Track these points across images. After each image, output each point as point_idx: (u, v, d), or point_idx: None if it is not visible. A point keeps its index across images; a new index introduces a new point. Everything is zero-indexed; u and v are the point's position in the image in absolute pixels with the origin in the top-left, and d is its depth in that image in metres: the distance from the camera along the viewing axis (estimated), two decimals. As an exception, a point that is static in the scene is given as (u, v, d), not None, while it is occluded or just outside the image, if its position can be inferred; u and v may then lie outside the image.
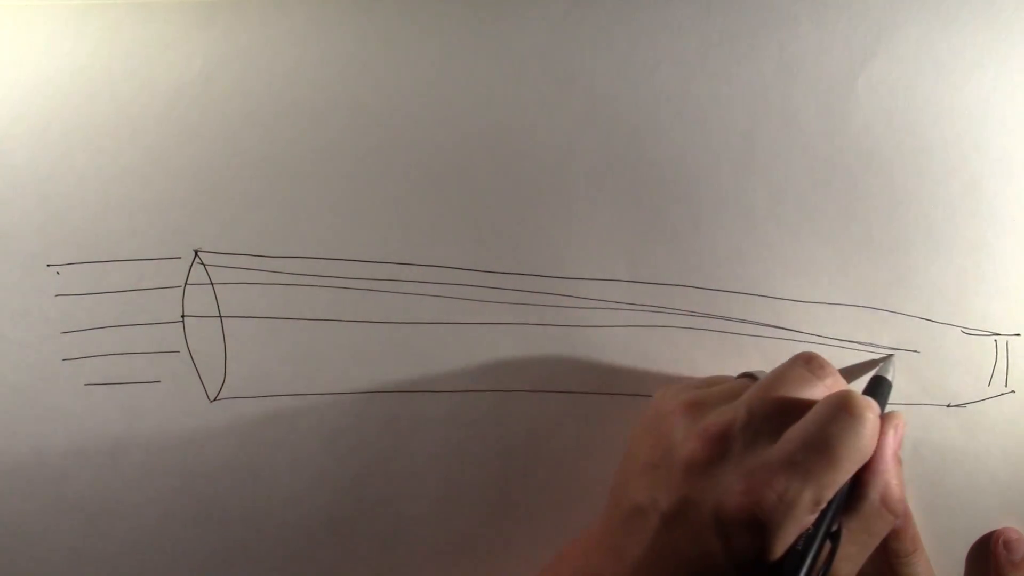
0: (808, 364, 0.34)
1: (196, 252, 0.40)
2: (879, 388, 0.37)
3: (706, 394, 0.36)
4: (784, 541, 0.31)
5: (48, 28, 0.39)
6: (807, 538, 0.31)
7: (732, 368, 0.41)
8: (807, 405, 0.33)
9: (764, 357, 0.41)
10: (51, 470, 0.40)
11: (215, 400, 0.41)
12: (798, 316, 0.40)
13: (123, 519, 0.41)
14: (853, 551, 0.33)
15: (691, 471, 0.33)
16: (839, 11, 0.39)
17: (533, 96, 0.40)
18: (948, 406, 0.41)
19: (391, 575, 0.42)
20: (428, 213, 0.40)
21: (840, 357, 0.40)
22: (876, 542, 0.34)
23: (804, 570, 0.30)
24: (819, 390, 0.34)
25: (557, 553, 0.40)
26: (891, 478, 0.33)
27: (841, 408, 0.32)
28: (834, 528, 0.32)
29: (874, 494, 0.33)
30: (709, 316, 0.41)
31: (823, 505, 0.31)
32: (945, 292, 0.40)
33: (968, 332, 0.40)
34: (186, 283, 0.40)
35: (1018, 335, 0.40)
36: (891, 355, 0.40)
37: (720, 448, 0.33)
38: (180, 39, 0.39)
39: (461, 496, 0.41)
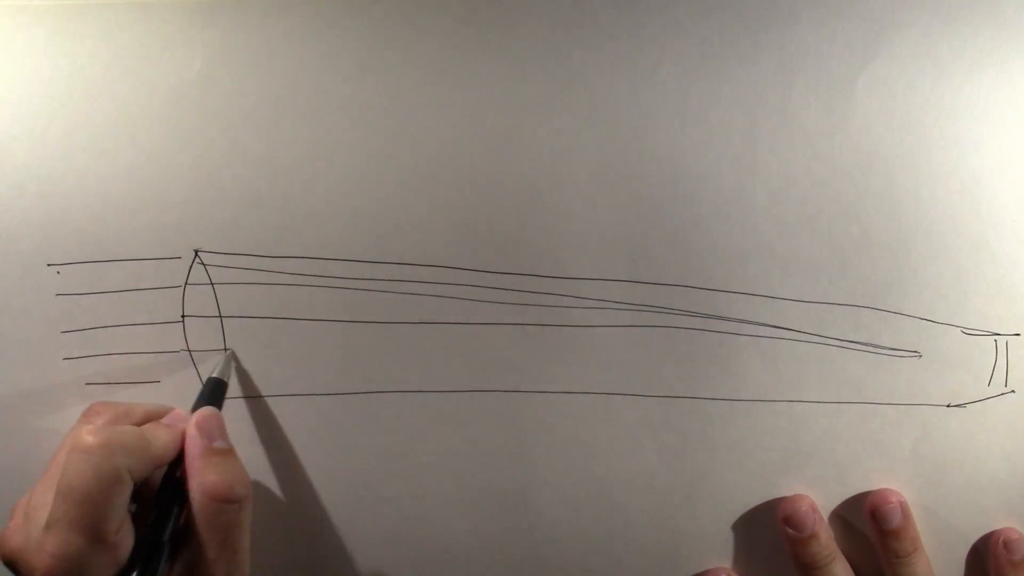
0: (86, 415, 0.37)
1: (196, 252, 0.40)
2: (216, 391, 0.38)
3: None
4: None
5: (48, 28, 0.39)
6: (131, 562, 0.32)
7: (732, 368, 0.41)
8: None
9: (764, 357, 0.41)
10: (51, 470, 0.40)
11: (215, 400, 0.41)
12: (798, 316, 0.40)
13: (123, 519, 0.41)
14: (212, 551, 0.34)
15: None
16: (839, 11, 0.39)
17: (533, 96, 0.40)
18: (948, 406, 0.41)
19: (391, 575, 0.42)
20: (428, 213, 0.40)
21: (841, 357, 0.40)
22: (222, 533, 0.34)
23: None
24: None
25: None
26: (208, 473, 0.34)
27: (70, 449, 0.32)
28: (164, 538, 0.33)
29: (196, 492, 0.34)
30: (709, 316, 0.41)
31: (116, 536, 0.32)
32: (945, 292, 0.40)
33: (968, 332, 0.40)
34: (186, 283, 0.40)
35: (1018, 335, 0.40)
36: (229, 351, 0.40)
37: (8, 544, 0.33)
38: (180, 39, 0.39)
39: (462, 496, 0.41)
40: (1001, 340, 0.40)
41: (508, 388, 0.41)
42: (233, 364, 0.40)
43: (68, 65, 0.39)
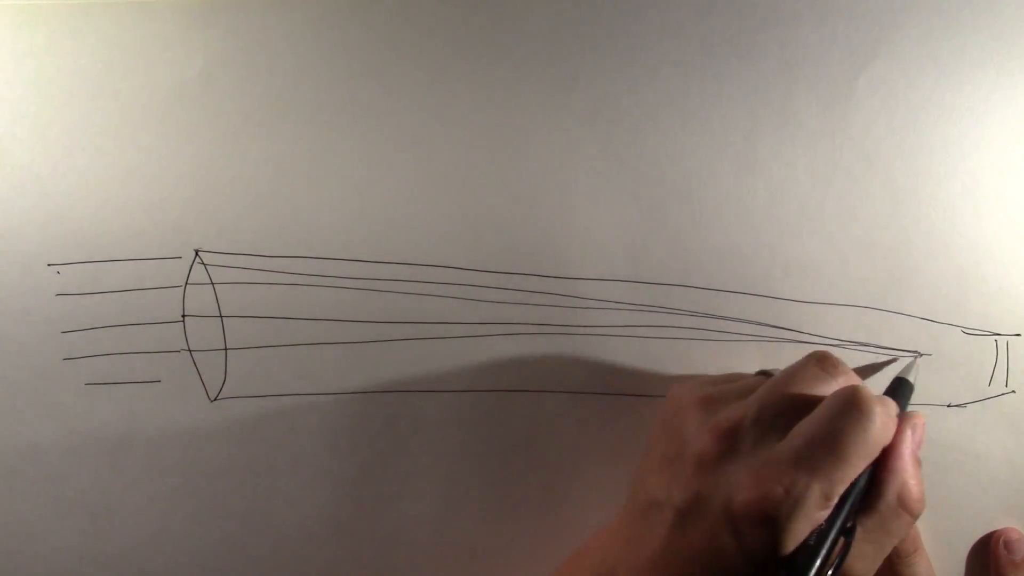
0: (821, 363, 0.34)
1: (197, 252, 0.40)
2: (899, 389, 0.37)
3: (720, 391, 0.36)
4: (795, 536, 0.30)
5: (49, 27, 0.39)
6: (819, 534, 0.31)
7: (732, 368, 0.41)
8: (818, 402, 0.33)
9: (764, 357, 0.41)
10: (51, 470, 0.40)
11: (215, 400, 0.41)
12: (798, 316, 0.40)
13: (123, 519, 0.41)
14: (870, 550, 0.33)
15: (702, 467, 0.33)
16: (840, 11, 0.39)
17: (534, 96, 0.40)
18: (948, 406, 0.41)
19: (391, 575, 0.42)
20: (428, 213, 0.40)
21: (841, 357, 0.40)
22: (894, 542, 0.34)
23: (816, 565, 0.30)
24: (831, 388, 0.33)
25: (579, 547, 0.40)
26: (909, 477, 0.33)
27: (849, 403, 0.31)
28: (848, 525, 0.32)
29: (891, 493, 0.33)
30: (709, 316, 0.41)
31: (833, 500, 0.31)
32: (945, 292, 0.40)
33: (968, 332, 0.40)
34: (187, 283, 0.40)
35: (1018, 335, 0.40)
36: (916, 356, 0.40)
37: (730, 444, 0.33)
38: (181, 39, 0.39)
39: (461, 496, 0.41)
40: (1001, 340, 0.40)
41: (508, 388, 0.41)
42: (918, 368, 0.39)
43: (69, 65, 0.39)
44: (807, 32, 0.40)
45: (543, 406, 0.41)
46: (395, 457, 0.41)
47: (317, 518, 0.41)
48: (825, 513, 0.31)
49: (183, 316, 0.40)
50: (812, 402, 0.33)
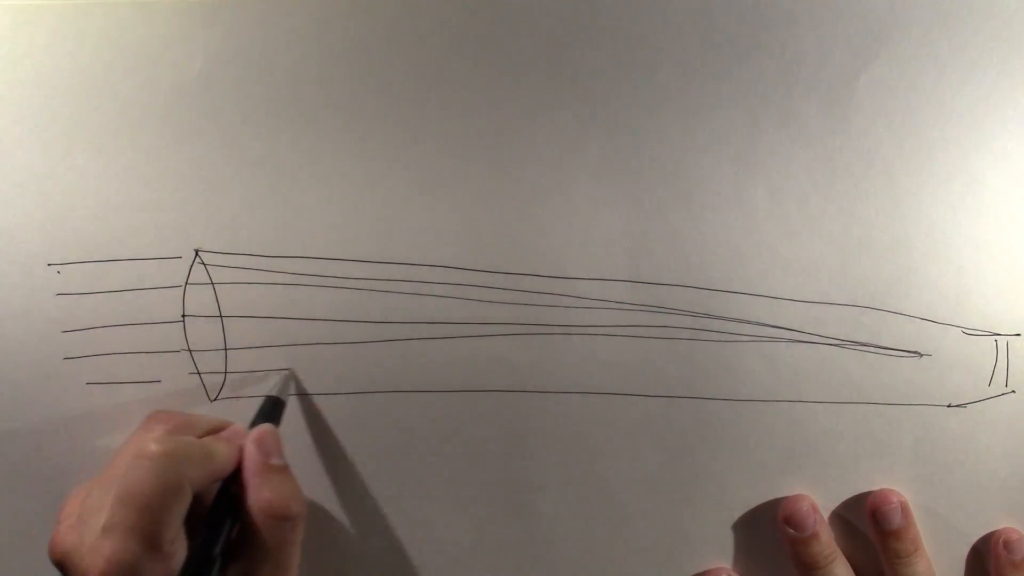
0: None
1: (197, 252, 0.40)
2: (271, 409, 0.38)
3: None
4: None
5: (49, 27, 0.39)
6: (183, 574, 0.32)
7: (732, 367, 0.41)
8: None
9: (764, 357, 0.41)
10: (52, 469, 0.40)
11: (216, 399, 0.41)
12: (798, 316, 0.40)
13: (124, 518, 0.41)
14: (263, 564, 0.34)
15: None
16: (840, 11, 0.39)
17: (534, 96, 0.40)
18: (949, 406, 0.41)
19: (392, 575, 0.42)
20: (428, 213, 0.40)
21: (841, 357, 0.40)
22: (281, 548, 0.34)
23: None
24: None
25: None
26: (264, 489, 0.34)
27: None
28: (216, 552, 0.33)
29: (255, 509, 0.34)
30: (709, 316, 0.41)
31: (165, 547, 0.31)
32: (945, 292, 0.40)
33: (968, 332, 0.40)
34: (187, 283, 0.40)
35: (1018, 335, 0.40)
36: (287, 370, 0.41)
37: (61, 545, 0.33)
38: (181, 38, 0.39)
39: (463, 496, 0.41)
40: (1001, 340, 0.40)
41: (508, 388, 0.41)
42: (293, 383, 0.40)
43: (69, 64, 0.39)
44: (807, 32, 0.40)
45: (543, 406, 0.41)
46: (396, 457, 0.41)
47: (317, 518, 0.41)
48: (177, 557, 0.32)
49: (183, 316, 0.40)
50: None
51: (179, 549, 0.32)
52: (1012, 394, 0.40)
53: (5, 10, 0.38)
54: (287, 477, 0.35)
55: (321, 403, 0.41)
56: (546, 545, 0.42)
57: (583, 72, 0.40)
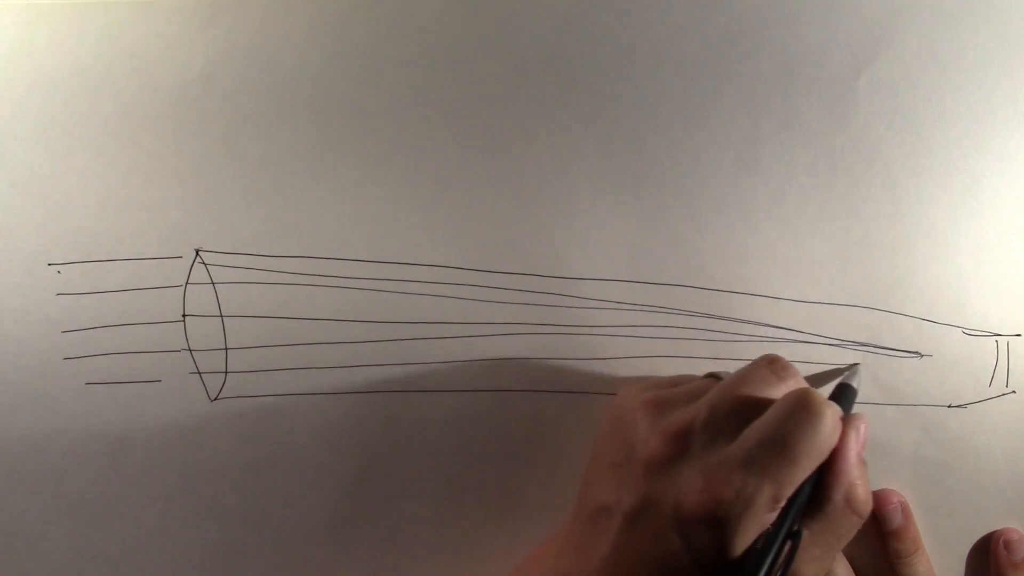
0: (771, 365, 0.34)
1: (197, 251, 0.40)
2: (844, 394, 0.37)
3: (669, 394, 0.36)
4: (743, 539, 0.30)
5: (50, 27, 0.39)
6: (767, 537, 0.31)
7: (733, 368, 0.41)
8: (767, 405, 0.33)
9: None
10: (51, 469, 0.40)
11: (216, 399, 0.41)
12: (799, 316, 0.40)
13: (124, 518, 0.41)
14: (818, 552, 0.33)
15: (651, 470, 0.33)
16: (840, 11, 0.39)
17: (534, 96, 0.40)
18: (949, 406, 0.41)
19: (391, 575, 0.42)
20: (428, 213, 0.40)
21: (841, 357, 0.40)
22: (842, 544, 0.34)
23: (764, 569, 0.30)
24: (780, 391, 0.33)
25: (527, 554, 0.40)
26: (855, 479, 0.33)
27: (798, 405, 0.31)
28: (795, 528, 0.32)
29: (838, 496, 0.33)
30: (709, 316, 0.41)
31: (782, 503, 0.31)
32: (946, 292, 0.40)
33: (969, 332, 0.40)
34: (187, 282, 0.40)
35: (1019, 335, 0.40)
36: (857, 364, 0.40)
37: (680, 446, 0.33)
38: (182, 38, 0.39)
39: (461, 496, 0.41)
40: (1002, 340, 0.40)
41: (508, 388, 0.41)
42: (858, 376, 0.39)
43: (70, 64, 0.39)
44: (808, 32, 0.40)
45: (543, 406, 0.41)
46: (395, 457, 0.41)
47: (317, 518, 0.41)
48: (773, 516, 0.31)
49: (183, 316, 0.40)
50: (762, 405, 0.33)
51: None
52: (1012, 394, 0.40)
53: (5, 10, 0.38)
54: (867, 474, 0.34)
55: (321, 403, 0.41)
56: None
57: (584, 72, 0.40)
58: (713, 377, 0.37)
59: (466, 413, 0.41)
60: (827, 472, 0.33)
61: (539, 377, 0.41)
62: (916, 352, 0.40)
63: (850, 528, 0.33)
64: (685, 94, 0.40)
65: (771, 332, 0.41)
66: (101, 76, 0.39)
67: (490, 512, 0.42)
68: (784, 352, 0.40)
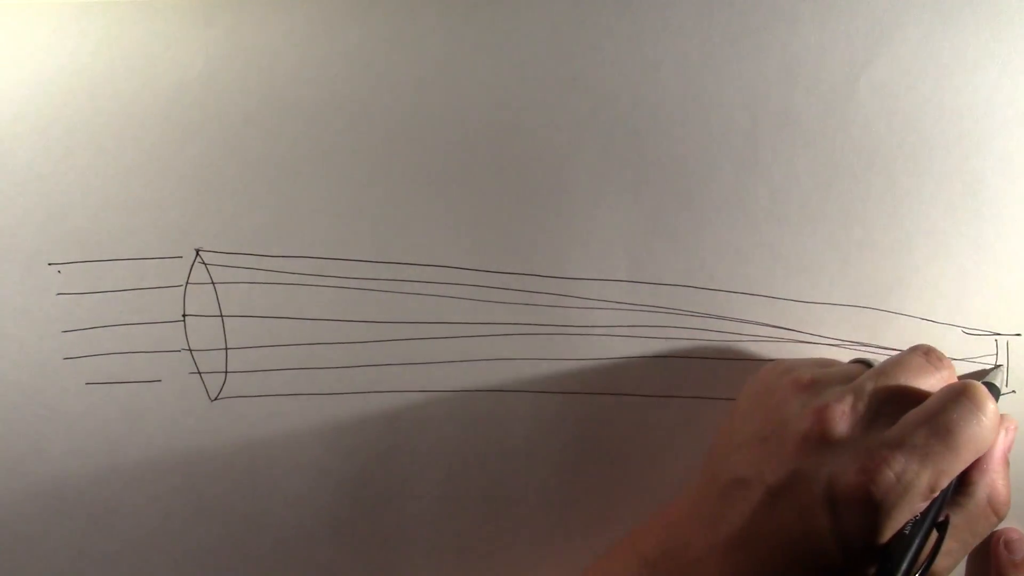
0: (927, 355, 0.34)
1: (197, 251, 0.40)
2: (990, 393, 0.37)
3: (821, 373, 0.36)
4: (895, 524, 0.30)
5: (50, 27, 0.39)
6: (915, 524, 0.31)
7: (733, 368, 0.41)
8: (924, 395, 0.33)
9: (765, 358, 0.41)
10: (51, 469, 0.40)
11: (216, 399, 0.41)
12: (799, 316, 0.40)
13: (124, 518, 0.41)
14: (954, 547, 0.33)
15: (804, 445, 0.33)
16: (841, 11, 0.39)
17: (534, 96, 0.40)
18: (949, 407, 0.41)
19: (391, 575, 0.42)
20: (428, 213, 0.40)
21: (841, 357, 0.40)
22: (977, 542, 0.34)
23: (910, 555, 0.30)
24: (935, 381, 0.33)
25: (635, 527, 0.39)
26: (998, 478, 0.33)
27: (964, 396, 0.31)
28: (940, 519, 0.32)
29: (981, 493, 0.33)
30: (709, 316, 0.41)
31: (936, 493, 0.31)
32: (946, 292, 0.40)
33: (969, 332, 0.40)
34: (187, 282, 0.40)
35: (1019, 335, 0.40)
36: (1000, 365, 0.40)
37: (835, 426, 0.32)
38: (182, 38, 0.39)
39: (461, 496, 0.41)
40: (1002, 340, 0.40)
41: (508, 388, 0.41)
42: (1003, 374, 0.39)
43: (70, 64, 0.39)
44: (808, 32, 0.40)
45: (543, 406, 0.41)
46: (395, 457, 0.41)
47: (317, 518, 0.41)
48: (924, 505, 0.31)
49: (183, 315, 0.40)
50: (918, 394, 0.33)
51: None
52: (1012, 394, 0.40)
53: (5, 10, 0.38)
54: (1008, 474, 0.34)
55: (321, 403, 0.41)
56: (545, 545, 0.42)
57: (583, 72, 0.40)
58: (861, 363, 0.37)
59: (466, 413, 0.41)
60: (973, 468, 0.32)
61: (539, 377, 0.41)
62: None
63: (987, 527, 0.33)
64: (686, 94, 0.40)
65: (771, 332, 0.40)
66: (101, 76, 0.39)
67: (490, 512, 0.42)
68: (784, 352, 0.40)
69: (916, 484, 0.30)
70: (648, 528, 0.39)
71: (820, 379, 0.35)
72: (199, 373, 0.40)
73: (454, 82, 0.40)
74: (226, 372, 0.40)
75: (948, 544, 0.32)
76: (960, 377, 0.37)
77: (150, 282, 0.40)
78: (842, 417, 0.32)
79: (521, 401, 0.41)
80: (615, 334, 0.41)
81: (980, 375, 0.40)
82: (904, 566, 0.30)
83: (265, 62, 0.39)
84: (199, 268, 0.40)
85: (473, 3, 0.39)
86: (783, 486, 0.32)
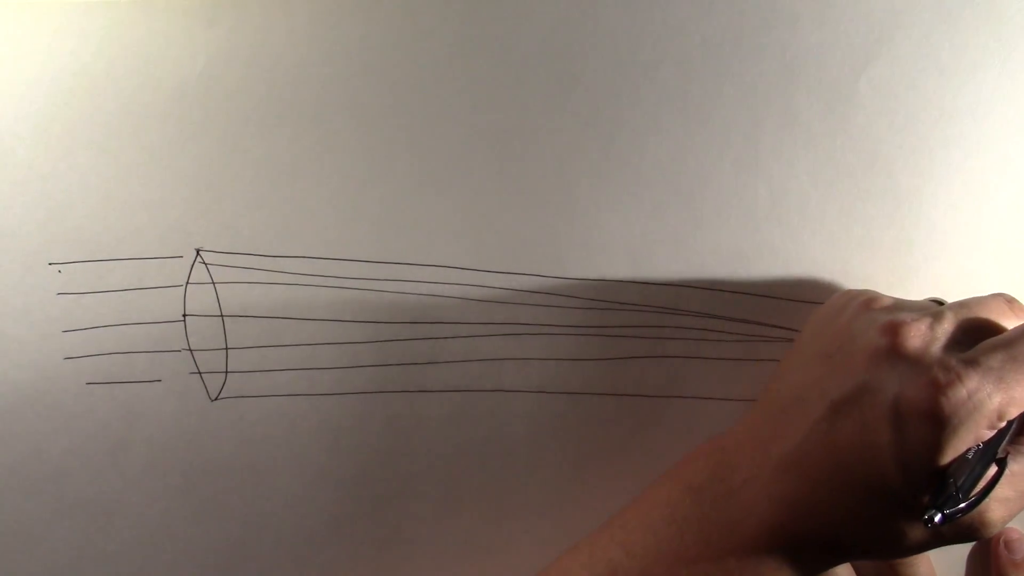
0: (1010, 303, 0.34)
1: (198, 251, 0.40)
2: None
3: (892, 298, 0.35)
4: (959, 444, 0.30)
5: (51, 26, 0.39)
6: (976, 452, 0.30)
7: (733, 367, 0.41)
8: (1003, 331, 0.32)
9: (765, 358, 0.41)
10: (51, 469, 0.40)
11: (216, 399, 0.41)
12: (799, 316, 0.40)
13: (124, 518, 0.41)
14: (1010, 495, 0.32)
15: (875, 359, 0.32)
16: (841, 11, 0.39)
17: (534, 96, 0.40)
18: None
19: (391, 575, 0.42)
20: (428, 213, 0.40)
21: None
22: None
23: (965, 479, 0.30)
24: (1014, 324, 0.33)
25: (688, 453, 0.39)
26: None
27: None
28: (1001, 456, 0.31)
29: None
30: (709, 316, 0.41)
31: (1002, 423, 0.30)
32: (947, 293, 0.40)
33: (969, 332, 0.40)
34: (187, 282, 0.40)
35: (1019, 335, 0.40)
36: None
37: (911, 341, 0.32)
38: (183, 38, 0.39)
39: (461, 496, 0.41)
40: (1002, 340, 0.40)
41: (508, 388, 0.41)
42: None
43: (71, 63, 0.39)
44: (808, 32, 0.40)
45: (543, 406, 0.41)
46: (395, 457, 0.41)
47: (317, 518, 0.41)
48: (989, 434, 0.30)
49: (184, 315, 0.40)
50: (997, 328, 0.32)
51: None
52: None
53: (5, 9, 0.39)
54: None
55: (321, 403, 0.41)
56: (545, 545, 0.42)
57: (584, 72, 0.40)
58: (936, 302, 0.36)
59: (466, 413, 0.41)
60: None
61: (539, 377, 0.41)
62: None
63: None
64: (685, 94, 0.40)
65: (771, 332, 0.41)
66: (102, 76, 0.39)
67: (490, 512, 0.42)
68: (784, 352, 0.40)
69: (986, 406, 0.29)
70: (696, 454, 0.38)
71: (891, 302, 0.35)
72: (199, 373, 0.40)
73: (454, 82, 0.40)
74: (226, 372, 0.41)
75: (1005, 491, 0.31)
76: None
77: (150, 282, 0.40)
78: (917, 334, 0.32)
79: (521, 401, 0.41)
80: (615, 334, 0.41)
81: None
82: (960, 493, 0.29)
83: (266, 62, 0.39)
84: (199, 268, 0.40)
85: (473, 3, 0.39)
86: (847, 399, 0.32)
